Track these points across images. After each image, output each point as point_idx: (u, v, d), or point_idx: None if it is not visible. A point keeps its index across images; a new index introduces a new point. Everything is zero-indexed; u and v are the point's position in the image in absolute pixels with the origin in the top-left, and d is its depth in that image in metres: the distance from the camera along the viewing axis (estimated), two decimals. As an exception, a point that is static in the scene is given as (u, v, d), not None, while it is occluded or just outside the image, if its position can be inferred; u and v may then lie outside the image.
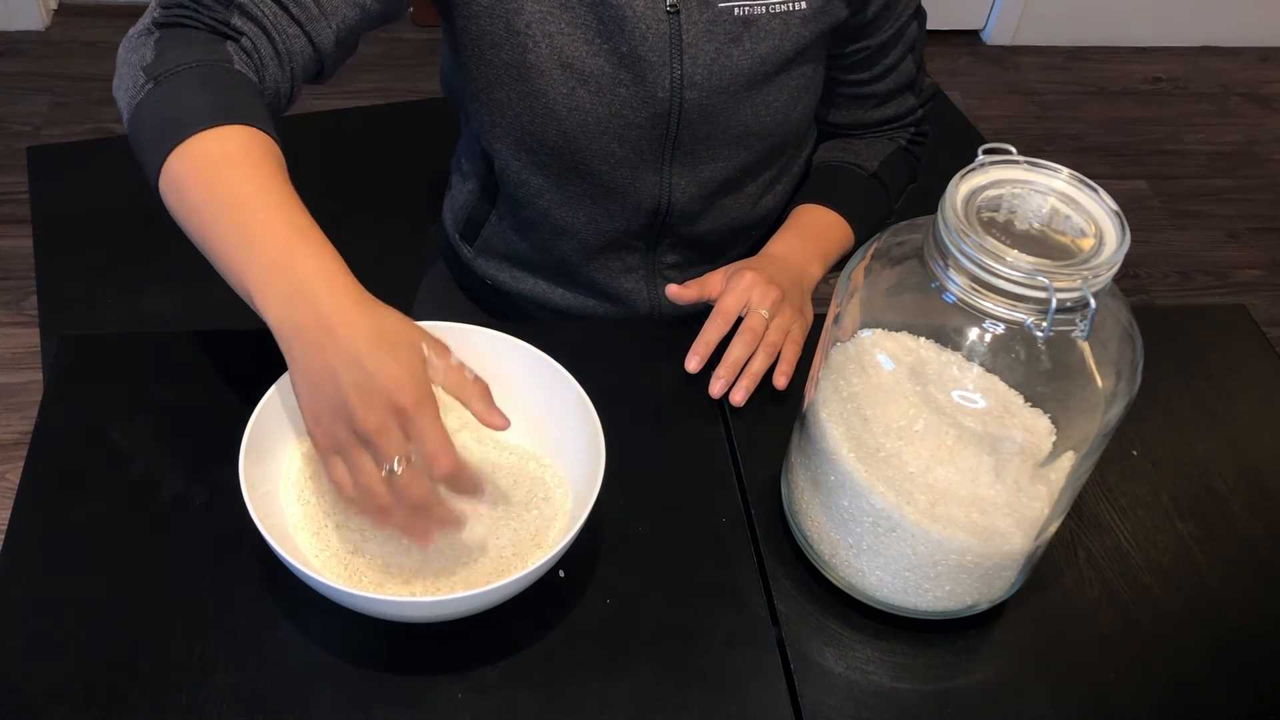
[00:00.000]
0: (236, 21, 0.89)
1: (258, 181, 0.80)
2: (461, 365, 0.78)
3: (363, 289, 0.77)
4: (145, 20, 0.89)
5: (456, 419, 0.91)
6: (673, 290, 1.06)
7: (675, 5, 1.03)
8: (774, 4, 1.05)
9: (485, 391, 0.78)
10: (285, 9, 0.91)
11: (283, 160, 0.83)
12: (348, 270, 0.77)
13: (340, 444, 0.75)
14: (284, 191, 0.80)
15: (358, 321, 0.74)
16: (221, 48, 0.87)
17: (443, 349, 0.77)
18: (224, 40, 0.88)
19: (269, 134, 0.83)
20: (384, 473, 0.74)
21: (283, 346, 0.76)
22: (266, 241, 0.77)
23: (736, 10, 1.04)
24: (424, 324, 0.91)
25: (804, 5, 1.06)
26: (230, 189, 0.79)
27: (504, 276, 1.27)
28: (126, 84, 0.86)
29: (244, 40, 0.89)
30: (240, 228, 0.78)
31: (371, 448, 0.74)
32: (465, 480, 0.78)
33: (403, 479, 0.75)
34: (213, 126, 0.81)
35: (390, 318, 0.76)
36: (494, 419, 0.77)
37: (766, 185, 1.21)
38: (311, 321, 0.74)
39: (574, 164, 1.10)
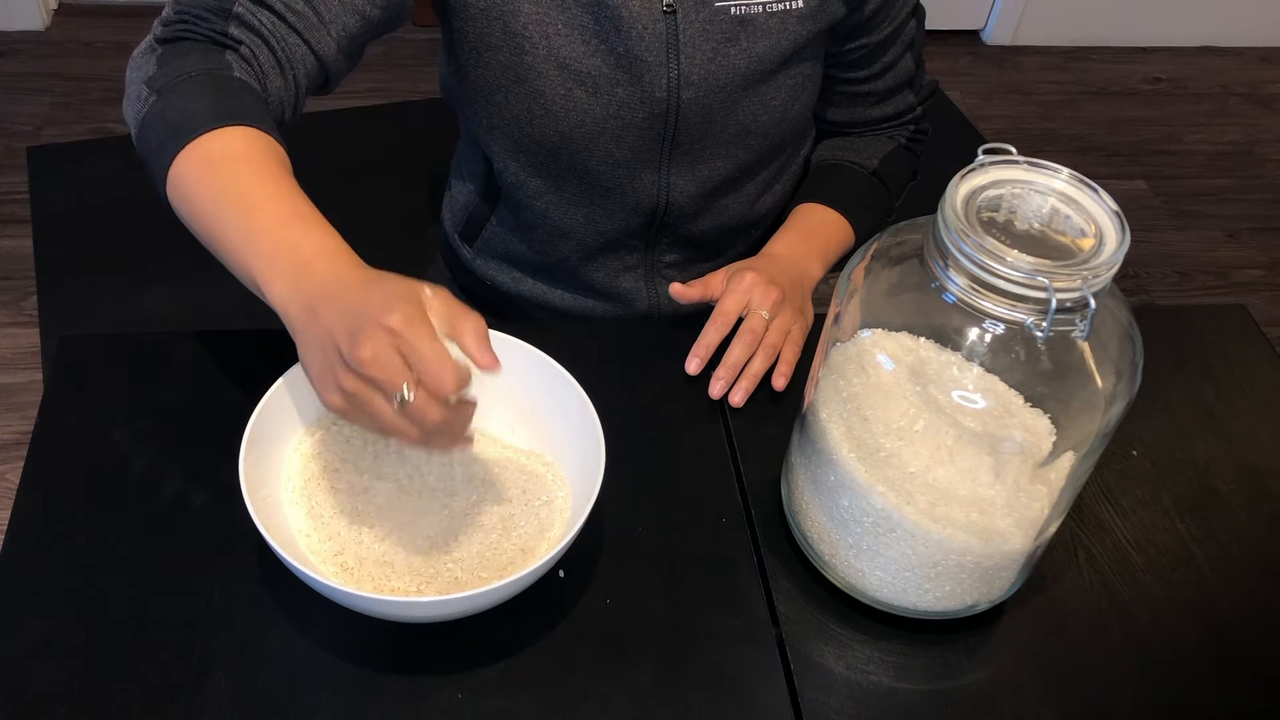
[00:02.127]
0: (234, 31, 0.90)
1: (259, 175, 0.81)
2: (459, 305, 0.75)
3: (363, 263, 0.77)
4: (148, 39, 0.91)
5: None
6: (676, 289, 1.07)
7: (672, 5, 1.03)
8: (770, 3, 1.05)
9: (481, 330, 0.75)
10: (283, 19, 0.91)
11: (285, 157, 0.84)
12: (348, 248, 0.78)
13: (349, 394, 0.73)
14: (285, 181, 0.81)
15: (353, 277, 0.75)
16: (220, 56, 0.88)
17: (443, 292, 0.75)
18: (223, 50, 0.89)
19: (269, 133, 0.84)
20: (395, 405, 0.71)
21: (290, 328, 0.77)
22: (270, 228, 0.78)
23: (733, 9, 1.04)
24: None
25: (801, 4, 1.06)
26: (233, 184, 0.80)
27: (504, 277, 1.27)
28: (133, 100, 0.88)
29: (242, 49, 0.89)
30: (244, 218, 0.79)
31: (376, 384, 0.71)
32: (466, 386, 0.74)
33: (417, 404, 0.72)
34: (214, 128, 0.82)
35: (387, 273, 0.75)
36: (485, 358, 0.74)
37: (765, 184, 1.21)
38: (314, 292, 0.75)
39: (572, 165, 1.10)
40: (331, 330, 0.72)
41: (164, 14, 0.91)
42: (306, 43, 0.93)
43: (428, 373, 0.71)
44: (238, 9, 0.90)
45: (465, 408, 0.76)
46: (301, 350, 0.76)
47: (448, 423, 0.74)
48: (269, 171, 0.81)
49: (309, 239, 0.78)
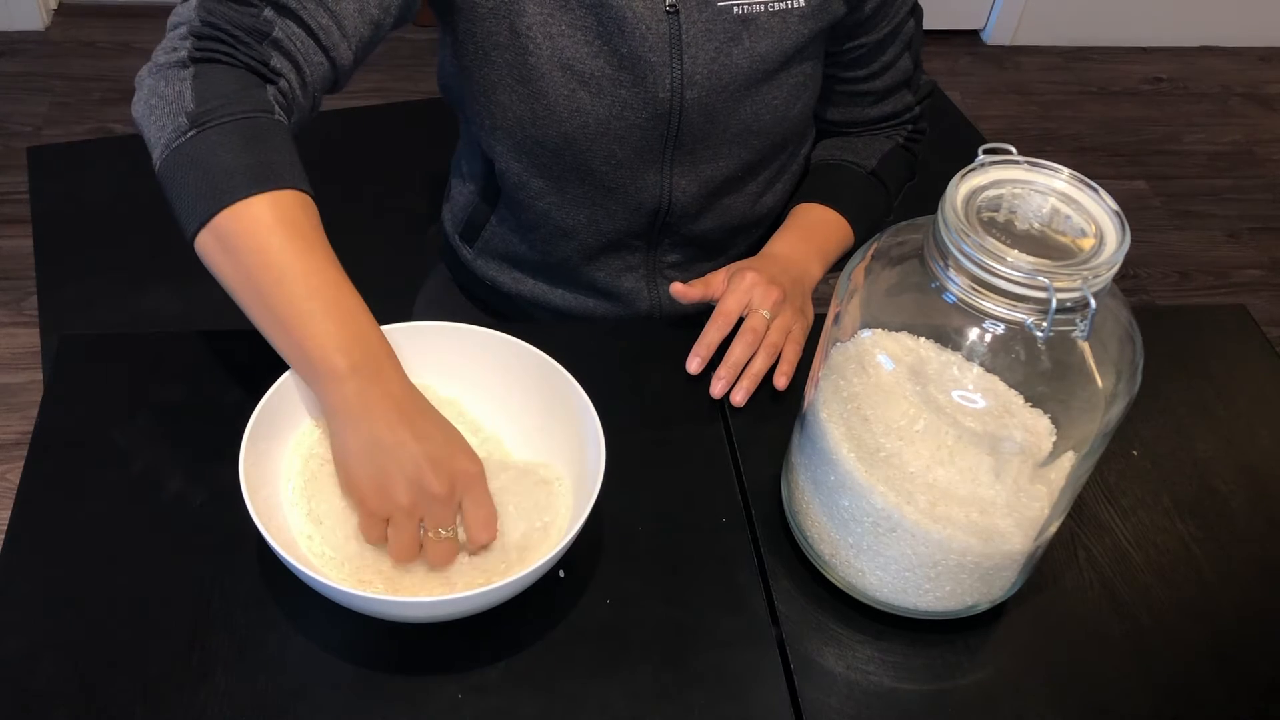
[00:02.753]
0: (275, 63, 0.88)
1: (310, 252, 0.82)
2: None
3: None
4: (177, 50, 0.87)
5: (465, 424, 0.92)
6: (677, 289, 1.07)
7: (674, 5, 1.03)
8: (772, 2, 1.05)
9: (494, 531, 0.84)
10: (315, 38, 0.91)
11: (318, 219, 0.85)
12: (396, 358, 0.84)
13: (396, 509, 0.79)
14: (334, 262, 0.83)
15: (423, 404, 0.82)
16: (262, 94, 0.86)
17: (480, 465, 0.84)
18: (264, 85, 0.87)
19: (306, 191, 0.84)
20: (424, 535, 0.81)
21: (346, 417, 0.80)
22: (332, 316, 0.80)
23: (735, 9, 1.04)
24: (423, 324, 0.92)
25: (802, 3, 1.06)
26: (283, 258, 0.81)
27: (504, 278, 1.27)
28: (163, 122, 0.84)
29: (282, 82, 0.88)
30: (300, 299, 0.80)
31: (427, 513, 0.80)
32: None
33: (439, 547, 0.81)
34: (261, 192, 0.81)
35: (440, 414, 0.84)
36: (483, 541, 0.83)
37: (766, 183, 1.21)
38: (385, 396, 0.80)
39: (575, 165, 1.10)
40: (410, 448, 0.79)
41: (190, 21, 0.88)
42: (330, 59, 0.93)
43: (478, 525, 0.82)
44: (276, 33, 0.88)
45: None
46: (358, 447, 0.80)
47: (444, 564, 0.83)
48: (319, 248, 0.82)
49: (373, 336, 0.82)
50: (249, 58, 0.87)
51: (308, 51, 0.91)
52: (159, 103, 0.85)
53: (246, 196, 0.81)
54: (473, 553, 0.83)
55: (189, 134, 0.83)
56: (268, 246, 0.81)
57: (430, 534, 0.80)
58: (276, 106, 0.87)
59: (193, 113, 0.83)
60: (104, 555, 0.85)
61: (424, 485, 0.79)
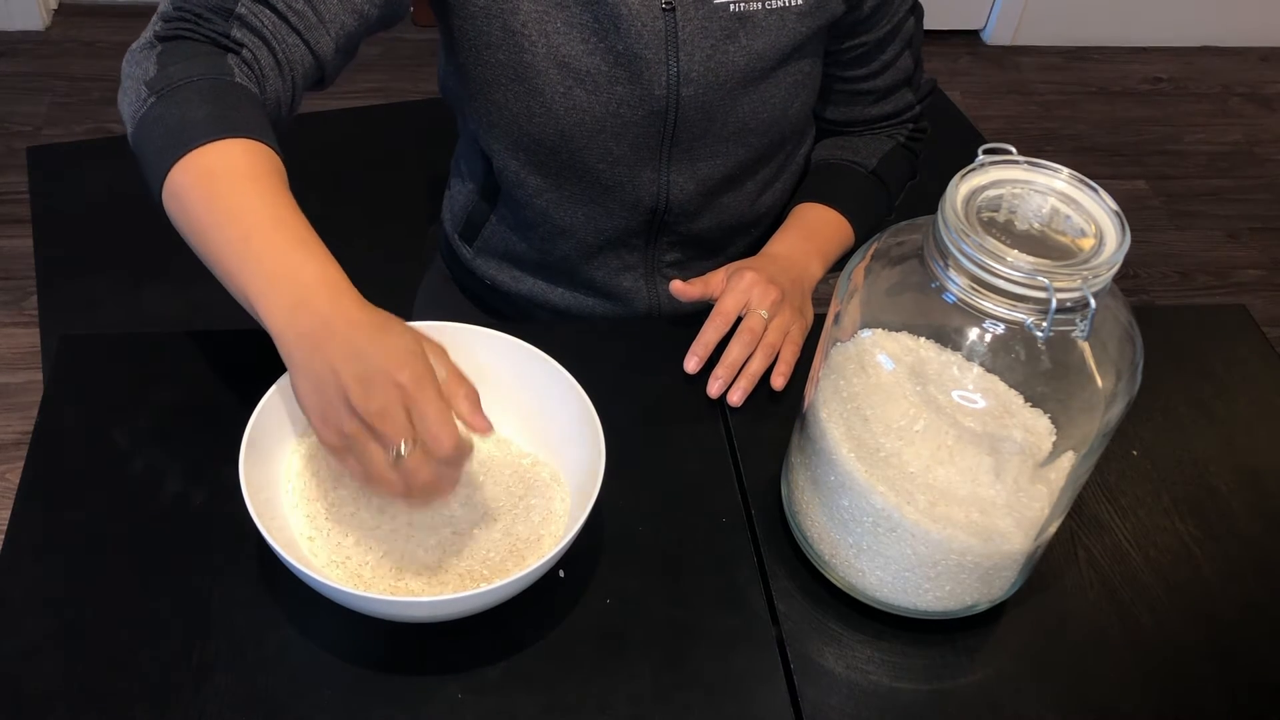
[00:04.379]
0: (236, 34, 0.89)
1: (259, 194, 0.81)
2: (455, 369, 0.78)
3: (363, 298, 0.78)
4: (147, 34, 0.90)
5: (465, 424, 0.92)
6: (676, 286, 1.07)
7: (671, 2, 1.03)
8: None
9: (473, 395, 0.78)
10: (285, 19, 0.91)
11: (283, 172, 0.84)
12: (348, 280, 0.79)
13: (348, 436, 0.75)
14: (285, 203, 0.81)
15: (358, 318, 0.76)
16: (222, 60, 0.88)
17: (440, 351, 0.78)
18: (225, 53, 0.88)
19: (270, 146, 0.84)
20: (391, 457, 0.75)
21: (284, 353, 0.77)
22: (269, 253, 0.78)
23: (732, 7, 1.04)
24: (423, 324, 0.92)
25: (800, 1, 1.06)
26: (232, 201, 0.80)
27: (503, 277, 1.27)
28: (130, 97, 0.87)
29: (244, 52, 0.89)
30: (243, 240, 0.79)
31: (377, 434, 0.74)
32: (466, 457, 0.78)
33: (410, 462, 0.75)
34: (214, 140, 0.82)
35: (390, 318, 0.78)
36: (478, 422, 0.77)
37: (765, 182, 1.21)
38: (315, 325, 0.76)
39: (572, 163, 1.10)
40: (338, 371, 0.74)
41: (163, 8, 0.91)
42: (306, 43, 0.93)
43: (430, 434, 0.74)
44: (240, 9, 0.90)
45: (452, 470, 0.78)
46: (298, 381, 0.77)
47: (434, 482, 0.77)
48: (268, 190, 0.81)
49: (308, 267, 0.78)
50: (211, 31, 0.89)
51: (277, 30, 0.91)
52: (129, 83, 0.88)
53: (199, 146, 0.81)
54: (452, 464, 0.77)
55: (149, 101, 0.85)
56: (216, 191, 0.81)
57: (393, 456, 0.75)
58: (238, 72, 0.88)
59: (151, 80, 0.85)
60: (104, 555, 0.85)
61: (359, 406, 0.73)
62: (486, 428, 0.77)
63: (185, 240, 0.83)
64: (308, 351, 0.75)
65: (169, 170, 0.82)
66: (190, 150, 0.81)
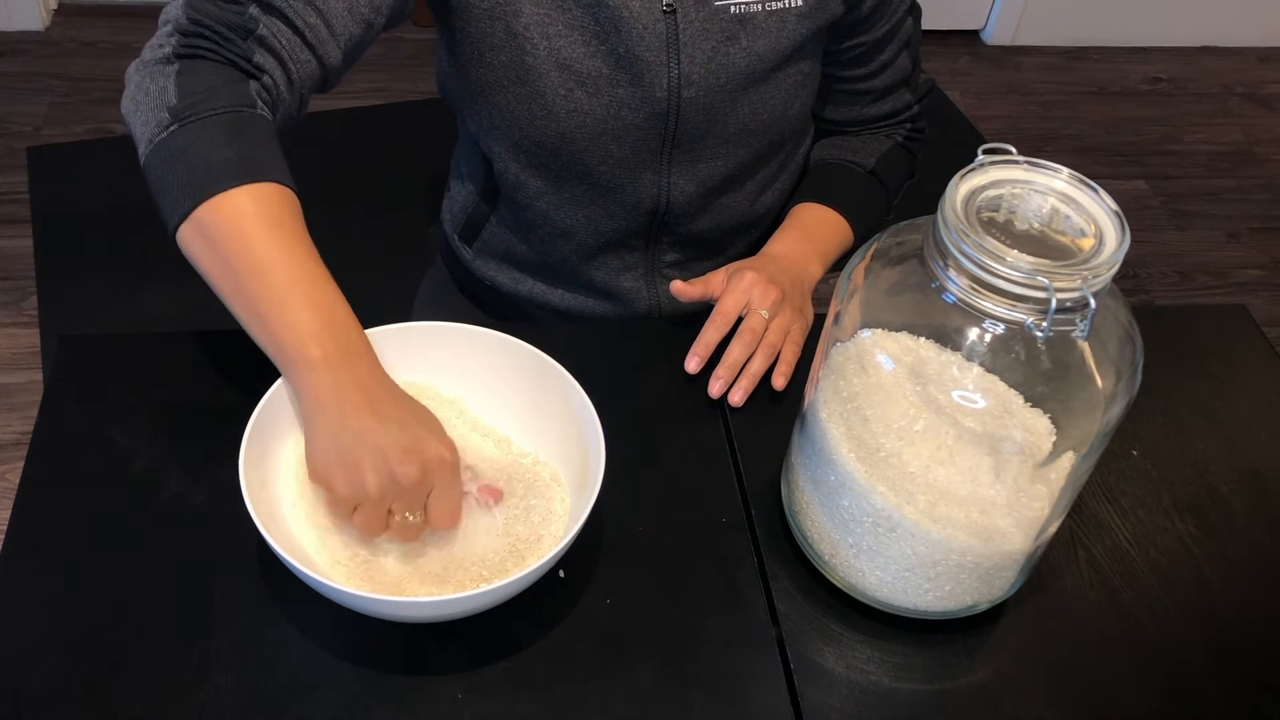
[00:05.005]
0: (258, 58, 0.89)
1: (290, 244, 0.82)
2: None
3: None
4: (164, 47, 0.88)
5: (466, 424, 0.92)
6: (676, 286, 1.07)
7: (671, 5, 1.03)
8: (769, 1, 1.05)
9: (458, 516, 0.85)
10: (301, 35, 0.91)
11: (299, 211, 0.85)
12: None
13: (365, 497, 0.79)
14: (313, 257, 0.83)
15: (398, 393, 0.83)
16: (245, 89, 0.87)
17: (453, 446, 0.84)
18: (246, 79, 0.88)
19: (290, 187, 0.85)
20: (398, 519, 0.81)
21: (317, 405, 0.80)
22: (308, 306, 0.81)
23: (732, 8, 1.04)
24: (423, 324, 0.92)
25: (800, 2, 1.06)
26: (261, 251, 0.81)
27: (503, 278, 1.27)
28: (146, 117, 0.86)
29: (265, 78, 0.89)
30: (278, 289, 0.81)
31: (396, 500, 0.80)
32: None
33: (405, 527, 0.81)
34: (241, 184, 0.82)
35: (417, 401, 0.84)
36: (444, 524, 0.84)
37: (765, 183, 1.21)
38: (356, 385, 0.80)
39: (573, 165, 1.10)
40: (378, 437, 0.79)
41: (177, 19, 0.89)
42: (318, 58, 0.93)
43: (439, 514, 0.82)
44: (261, 30, 0.89)
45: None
46: (327, 432, 0.80)
47: (415, 537, 0.84)
48: (298, 239, 0.83)
49: (352, 331, 0.82)
50: (232, 54, 0.88)
51: (293, 49, 0.91)
52: (144, 98, 0.86)
53: (227, 189, 0.81)
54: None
55: (171, 128, 0.84)
56: (247, 237, 0.81)
57: (397, 517, 0.81)
58: (259, 101, 0.87)
59: (175, 107, 0.84)
60: (104, 555, 0.85)
61: (393, 475, 0.79)
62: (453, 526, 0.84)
63: (203, 275, 0.84)
64: (347, 412, 0.79)
65: (193, 209, 0.82)
66: (215, 194, 0.81)
